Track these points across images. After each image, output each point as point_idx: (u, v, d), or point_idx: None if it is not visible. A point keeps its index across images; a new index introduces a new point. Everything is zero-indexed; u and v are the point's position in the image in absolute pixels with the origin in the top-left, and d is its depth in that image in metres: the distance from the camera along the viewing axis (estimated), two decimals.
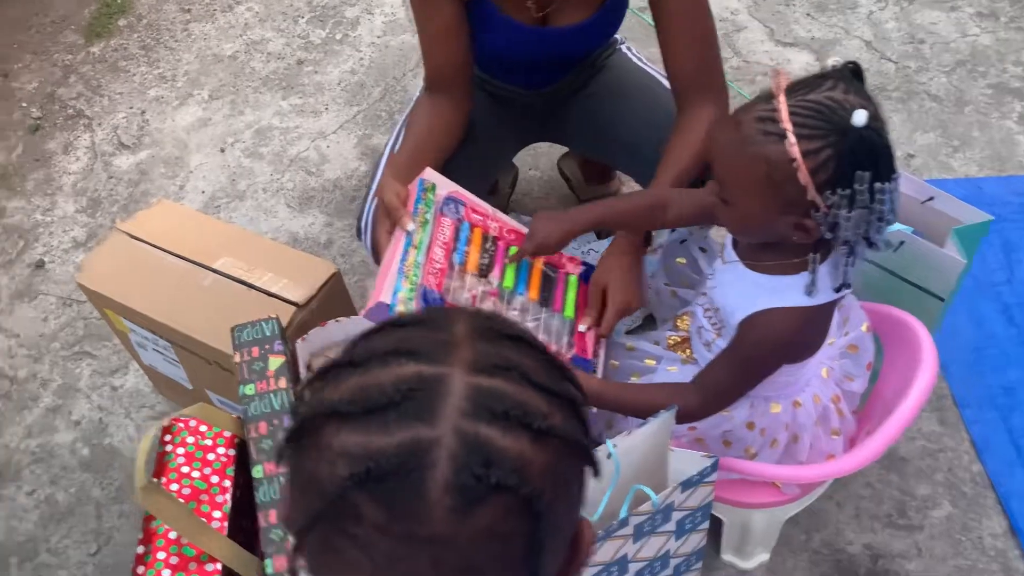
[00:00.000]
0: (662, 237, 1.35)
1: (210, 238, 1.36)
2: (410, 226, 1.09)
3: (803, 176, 0.83)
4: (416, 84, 1.90)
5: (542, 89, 1.40)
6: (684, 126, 1.20)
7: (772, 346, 0.98)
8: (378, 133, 1.98)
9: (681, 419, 1.03)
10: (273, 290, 1.25)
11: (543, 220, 1.14)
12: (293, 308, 1.23)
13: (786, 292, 0.95)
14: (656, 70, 1.38)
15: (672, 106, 1.24)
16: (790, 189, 0.85)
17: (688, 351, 1.20)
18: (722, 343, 1.06)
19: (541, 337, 1.13)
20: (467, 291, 1.12)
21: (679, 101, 1.23)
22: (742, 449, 1.12)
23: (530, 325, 1.15)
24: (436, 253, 1.11)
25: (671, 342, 1.23)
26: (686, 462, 1.01)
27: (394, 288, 1.04)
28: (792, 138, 0.83)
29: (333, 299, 1.29)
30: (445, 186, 1.18)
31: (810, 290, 0.93)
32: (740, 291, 1.01)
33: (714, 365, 1.05)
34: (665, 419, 1.00)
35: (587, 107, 1.41)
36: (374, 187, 1.31)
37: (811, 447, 1.12)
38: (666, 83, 1.27)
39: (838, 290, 0.94)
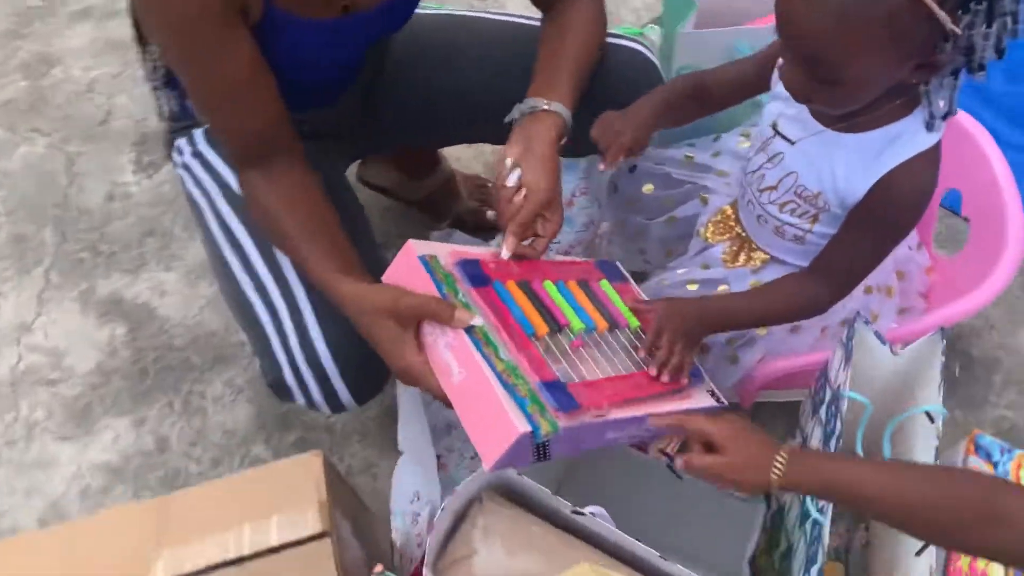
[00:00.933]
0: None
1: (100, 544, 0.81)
2: (476, 319, 0.75)
3: (933, 7, 0.69)
4: (96, 190, 1.50)
5: (343, 93, 1.10)
6: (567, 25, 1.02)
7: (918, 199, 0.87)
8: (101, 279, 1.42)
9: (812, 313, 0.95)
10: (275, 542, 0.80)
11: (612, 119, 0.99)
12: (324, 539, 0.80)
13: (909, 138, 0.84)
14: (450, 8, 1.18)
15: (492, 35, 1.13)
16: (918, 31, 0.71)
17: (750, 257, 1.02)
18: (822, 228, 0.94)
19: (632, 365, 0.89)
20: (564, 361, 0.82)
21: (546, 4, 1.06)
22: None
23: (623, 358, 0.88)
24: (503, 336, 0.77)
25: (726, 257, 1.03)
26: None
27: (520, 407, 0.71)
28: None
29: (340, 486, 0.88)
30: (441, 251, 0.83)
31: (931, 123, 0.82)
32: (848, 159, 0.88)
33: (841, 246, 0.91)
34: None
35: (396, 87, 1.15)
36: (272, 326, 0.96)
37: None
38: (465, 13, 1.15)
39: (944, 118, 0.82)
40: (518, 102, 0.96)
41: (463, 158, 1.55)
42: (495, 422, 0.71)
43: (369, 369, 0.93)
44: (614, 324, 0.91)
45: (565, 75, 0.97)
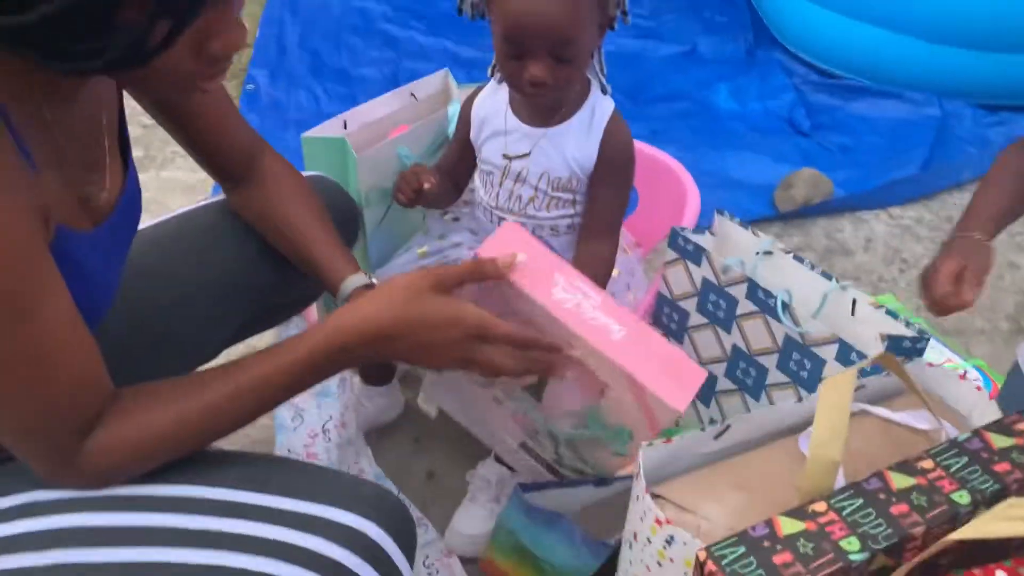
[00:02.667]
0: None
1: None
2: (519, 255, 0.83)
3: None
4: None
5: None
6: (296, 191, 1.04)
7: (630, 142, 1.10)
8: None
9: (608, 271, 1.12)
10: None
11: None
12: None
13: (600, 107, 1.09)
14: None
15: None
16: None
17: None
18: (583, 196, 1.12)
19: None
20: None
21: (246, 170, 1.03)
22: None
23: None
24: None
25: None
26: None
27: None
28: None
29: None
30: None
31: (604, 88, 1.11)
32: (574, 140, 1.08)
33: (599, 202, 1.11)
34: None
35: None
36: None
37: None
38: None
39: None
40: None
41: None
42: (680, 368, 0.79)
43: None
44: None
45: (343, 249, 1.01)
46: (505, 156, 1.12)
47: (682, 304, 1.23)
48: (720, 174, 2.11)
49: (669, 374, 0.81)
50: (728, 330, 1.16)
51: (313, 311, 1.35)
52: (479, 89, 1.18)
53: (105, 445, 0.72)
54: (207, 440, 0.77)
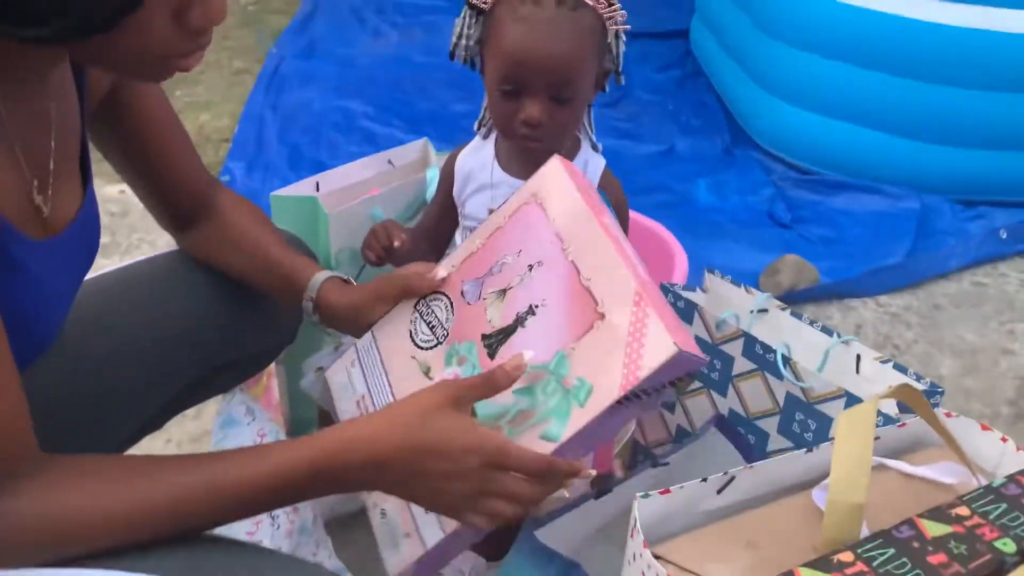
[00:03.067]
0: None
1: None
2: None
3: (601, 10, 0.98)
4: None
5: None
6: (244, 208, 1.02)
7: (623, 195, 1.11)
8: None
9: None
10: None
11: None
12: None
13: (592, 162, 1.07)
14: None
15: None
16: (602, 38, 0.98)
17: None
18: None
19: None
20: None
21: (201, 207, 0.99)
22: None
23: None
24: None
25: None
26: None
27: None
28: None
29: None
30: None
31: (595, 145, 1.09)
32: None
33: None
34: None
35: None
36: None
37: None
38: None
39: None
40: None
41: None
42: (684, 331, 0.74)
43: None
44: None
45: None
46: (491, 211, 1.06)
47: None
48: (704, 262, 2.06)
49: (675, 324, 0.73)
50: (724, 393, 1.08)
51: (273, 373, 1.25)
52: (462, 147, 1.14)
53: (13, 518, 0.60)
54: (151, 540, 0.64)
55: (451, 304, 0.85)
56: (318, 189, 1.26)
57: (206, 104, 2.85)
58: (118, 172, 0.94)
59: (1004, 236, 2.26)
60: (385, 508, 0.84)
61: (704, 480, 0.75)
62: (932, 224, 2.33)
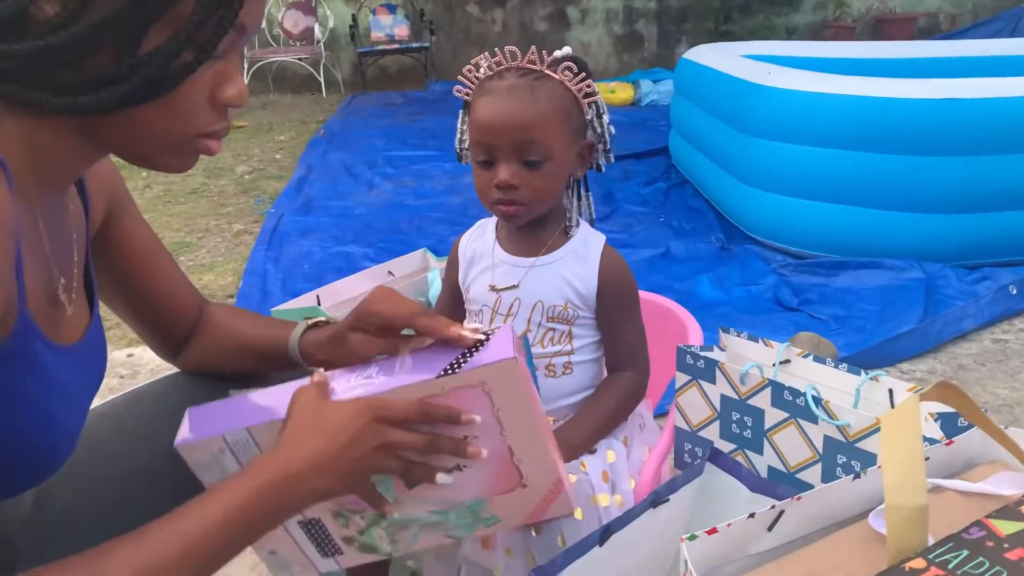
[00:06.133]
0: None
1: None
2: None
3: (571, 87, 0.99)
4: None
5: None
6: (235, 311, 1.03)
7: (628, 270, 1.06)
8: None
9: (639, 399, 1.06)
10: None
11: None
12: None
13: (592, 240, 1.05)
14: None
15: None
16: (575, 112, 1.00)
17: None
18: (580, 343, 1.05)
19: None
20: None
21: (194, 324, 1.00)
22: None
23: None
24: None
25: None
26: None
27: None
28: None
29: None
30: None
31: (593, 222, 1.09)
32: (566, 267, 1.04)
33: (618, 337, 1.05)
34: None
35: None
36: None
37: None
38: None
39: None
40: None
41: None
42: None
43: None
44: None
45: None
46: (492, 288, 1.06)
47: (703, 434, 1.10)
48: None
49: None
50: (760, 450, 1.03)
51: None
52: (465, 232, 1.15)
53: None
54: None
55: None
56: (319, 303, 1.27)
57: (209, 265, 2.91)
58: (109, 306, 0.95)
59: (1014, 292, 2.24)
60: (275, 549, 0.87)
61: (751, 516, 0.70)
62: (940, 291, 2.32)
